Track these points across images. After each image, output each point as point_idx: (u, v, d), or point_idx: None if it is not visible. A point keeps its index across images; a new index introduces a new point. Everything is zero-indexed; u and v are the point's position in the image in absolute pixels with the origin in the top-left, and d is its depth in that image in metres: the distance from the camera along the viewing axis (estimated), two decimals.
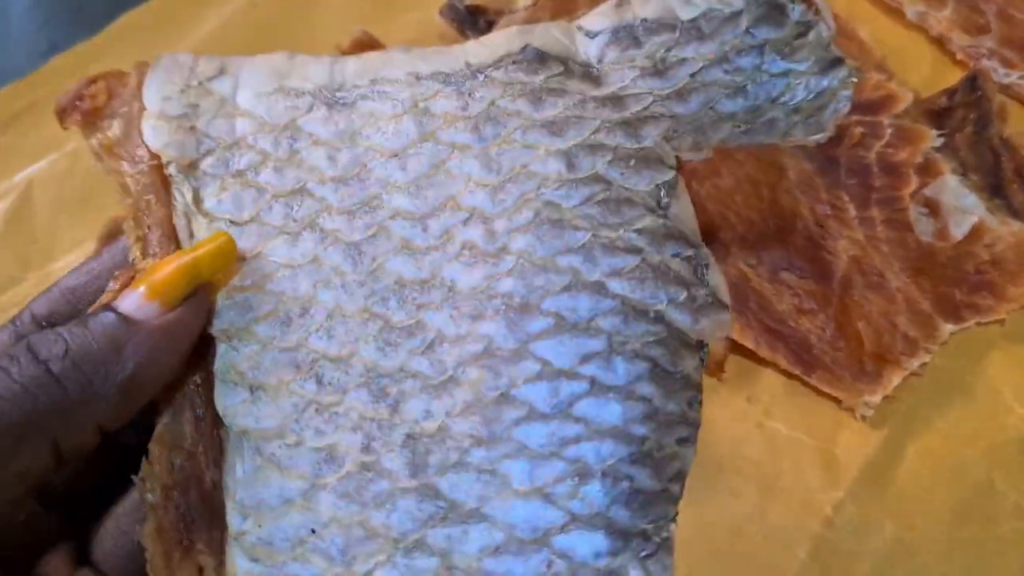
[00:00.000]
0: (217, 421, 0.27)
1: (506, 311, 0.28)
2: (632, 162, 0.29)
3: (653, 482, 0.27)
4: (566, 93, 0.30)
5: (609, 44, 0.31)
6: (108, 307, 0.25)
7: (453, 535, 0.26)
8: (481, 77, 0.30)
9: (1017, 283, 0.43)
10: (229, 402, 0.27)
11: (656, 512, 0.27)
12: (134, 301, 0.26)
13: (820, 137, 0.31)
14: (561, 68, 0.31)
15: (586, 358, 0.27)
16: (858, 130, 0.46)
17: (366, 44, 0.47)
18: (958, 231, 0.44)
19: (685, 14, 0.31)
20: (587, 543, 0.26)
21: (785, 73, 0.31)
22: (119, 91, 0.30)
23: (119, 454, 0.27)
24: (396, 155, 0.30)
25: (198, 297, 0.27)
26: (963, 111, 0.48)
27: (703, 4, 0.31)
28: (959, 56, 0.51)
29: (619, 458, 0.27)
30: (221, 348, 0.27)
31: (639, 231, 0.29)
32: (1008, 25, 0.50)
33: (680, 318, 0.28)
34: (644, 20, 0.31)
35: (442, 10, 0.51)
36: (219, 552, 0.26)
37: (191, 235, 0.29)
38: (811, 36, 0.31)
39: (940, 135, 0.46)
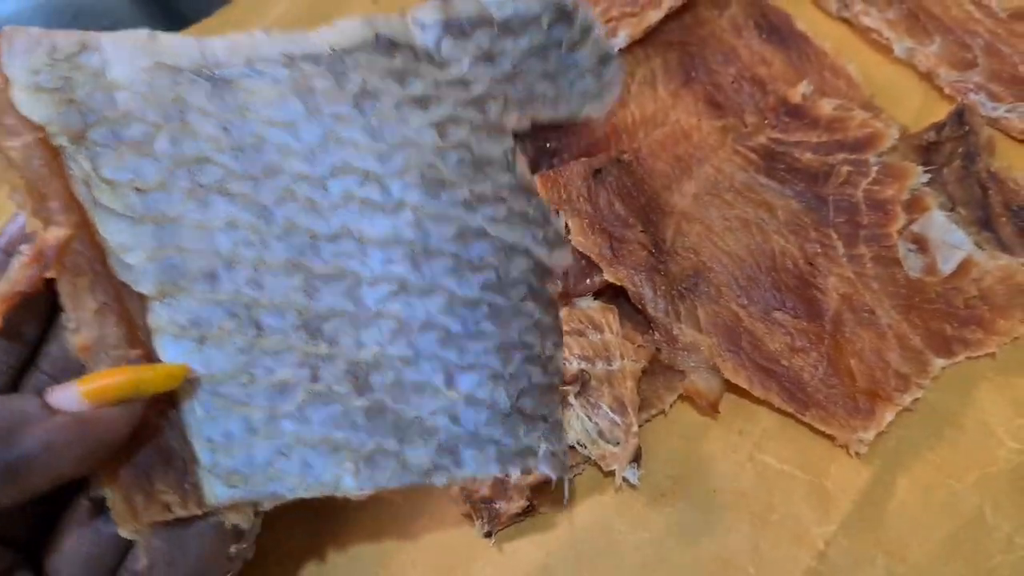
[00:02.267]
0: None
1: (412, 255, 0.33)
2: (484, 132, 0.36)
3: (544, 377, 0.34)
4: (420, 75, 0.36)
5: (443, 36, 0.36)
6: (38, 395, 0.26)
7: (404, 439, 0.31)
8: (348, 60, 0.35)
9: (1006, 316, 0.44)
10: (175, 352, 0.29)
11: (550, 399, 0.34)
12: (68, 396, 0.26)
13: (601, 113, 0.39)
14: (412, 54, 0.36)
15: (484, 287, 0.33)
16: (845, 168, 0.47)
17: None
18: (946, 266, 0.45)
19: (498, 13, 0.37)
20: (508, 431, 0.33)
21: (576, 64, 0.38)
22: None
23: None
24: (288, 125, 0.33)
25: (130, 407, 0.27)
26: (951, 145, 0.48)
27: (510, 7, 0.38)
28: (947, 91, 0.52)
29: (520, 361, 0.33)
30: (155, 305, 0.30)
31: (502, 185, 0.35)
32: (995, 59, 0.51)
33: (540, 251, 0.35)
34: (468, 17, 0.37)
35: None
36: (179, 489, 0.29)
37: (95, 202, 0.30)
38: (592, 35, 0.38)
39: (927, 171, 0.47)
